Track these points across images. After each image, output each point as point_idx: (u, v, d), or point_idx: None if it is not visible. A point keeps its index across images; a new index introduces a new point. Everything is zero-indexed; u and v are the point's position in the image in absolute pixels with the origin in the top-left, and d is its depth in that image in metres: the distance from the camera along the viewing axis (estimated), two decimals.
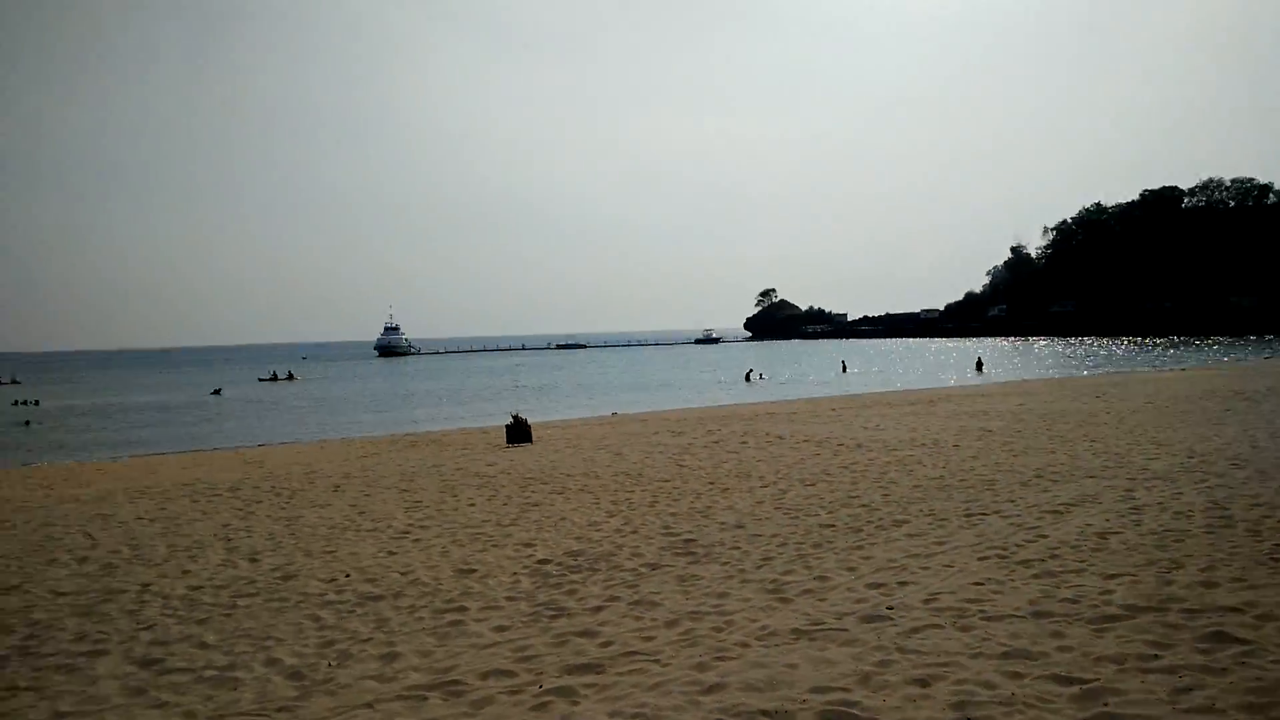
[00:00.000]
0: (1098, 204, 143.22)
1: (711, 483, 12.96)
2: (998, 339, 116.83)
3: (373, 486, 14.25)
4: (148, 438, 34.26)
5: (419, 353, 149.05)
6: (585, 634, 6.24)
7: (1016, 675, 5.02)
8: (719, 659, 5.53)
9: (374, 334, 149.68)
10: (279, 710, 5.14)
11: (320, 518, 11.62)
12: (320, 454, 20.48)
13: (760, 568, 7.88)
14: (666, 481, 13.29)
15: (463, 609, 7.09)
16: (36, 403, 56.29)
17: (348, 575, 8.41)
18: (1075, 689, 4.79)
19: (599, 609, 6.86)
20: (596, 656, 5.74)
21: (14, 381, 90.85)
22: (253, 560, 9.27)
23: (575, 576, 7.95)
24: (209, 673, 5.86)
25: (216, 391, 63.49)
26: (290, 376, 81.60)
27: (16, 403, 56.36)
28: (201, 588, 8.20)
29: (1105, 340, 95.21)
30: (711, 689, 5.04)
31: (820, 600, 6.73)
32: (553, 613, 6.84)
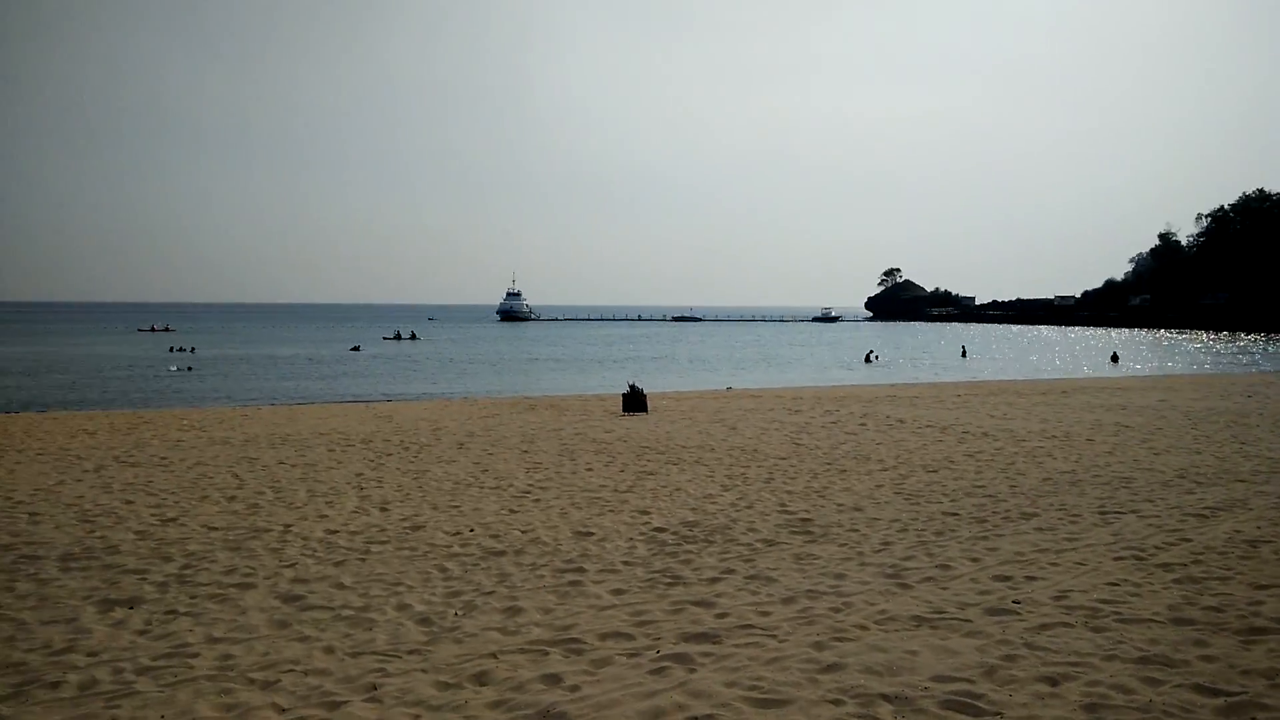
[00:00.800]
0: (1260, 190, 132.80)
1: (829, 463, 12.80)
2: (1138, 330, 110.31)
3: (495, 446, 14.69)
4: (290, 389, 36.29)
5: (538, 319, 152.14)
6: (701, 604, 6.29)
7: (1154, 682, 4.79)
8: (837, 639, 5.49)
9: (497, 299, 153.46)
10: (410, 653, 5.41)
11: (445, 473, 12.07)
12: (445, 412, 21.23)
13: (879, 552, 7.76)
14: (783, 459, 13.20)
15: (581, 570, 7.26)
16: (193, 350, 60.44)
17: (471, 530, 8.73)
18: (1220, 701, 4.54)
19: (715, 580, 6.90)
20: (713, 626, 5.79)
21: (167, 329, 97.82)
22: (383, 509, 9.73)
23: (690, 547, 8.01)
24: (346, 612, 6.21)
25: (355, 348, 66.79)
26: (413, 336, 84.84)
27: (172, 349, 60.76)
28: (337, 532, 8.66)
29: (1261, 336, 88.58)
30: (830, 668, 5.01)
31: (942, 589, 6.58)
32: (669, 580, 6.92)
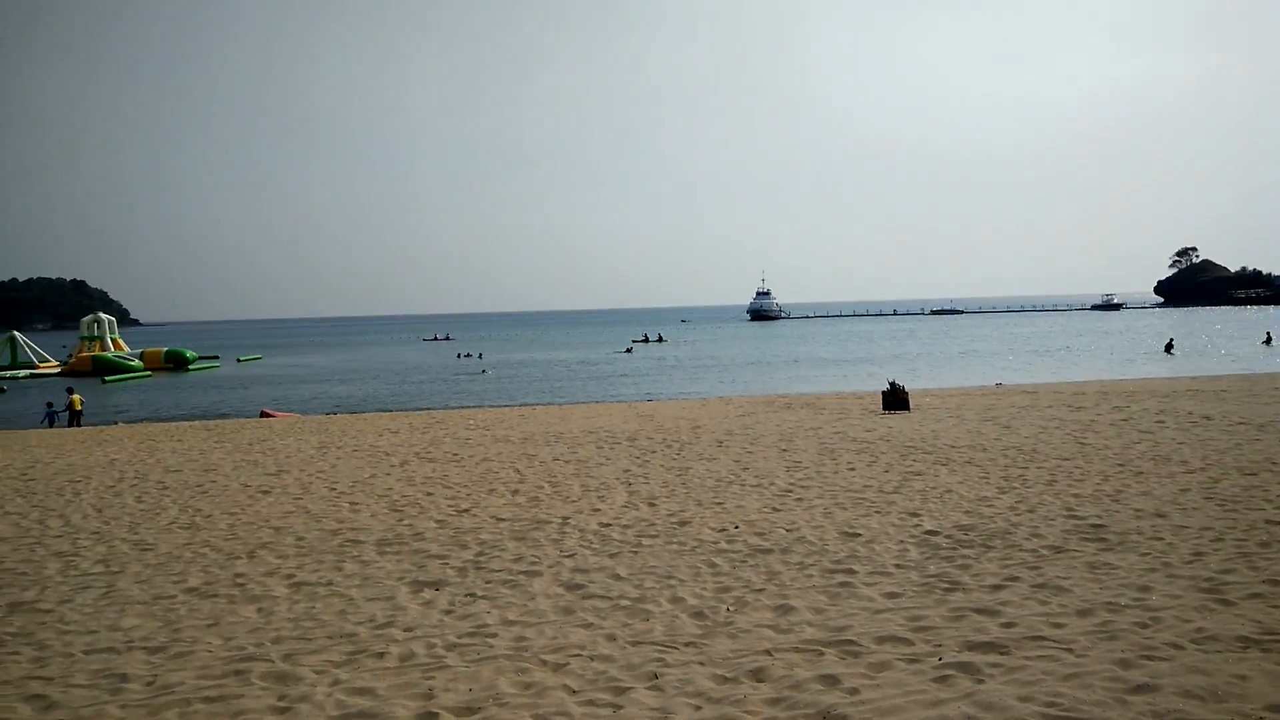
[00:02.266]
0: None
1: (1121, 465, 11.65)
2: None
3: (753, 444, 14.77)
4: (560, 390, 38.65)
5: (789, 317, 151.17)
6: (984, 611, 5.95)
7: None
8: (1146, 657, 4.98)
9: (746, 299, 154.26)
10: (686, 645, 5.55)
11: (707, 470, 12.29)
12: (702, 411, 21.63)
13: (1190, 563, 6.95)
14: (1066, 460, 12.19)
15: (851, 571, 7.11)
16: (480, 355, 66.84)
17: (736, 527, 8.82)
18: None
19: (997, 588, 6.50)
20: (999, 636, 5.45)
21: (449, 338, 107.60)
22: (651, 504, 10.08)
23: (967, 551, 7.60)
24: (624, 602, 6.49)
25: (629, 349, 71.30)
26: (659, 339, 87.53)
27: (459, 355, 67.61)
28: (610, 525, 9.08)
29: None
30: (1140, 689, 4.55)
31: (1273, 607, 5.78)
32: (946, 585, 6.61)
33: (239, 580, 7.47)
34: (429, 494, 11.20)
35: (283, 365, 67.45)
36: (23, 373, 56.02)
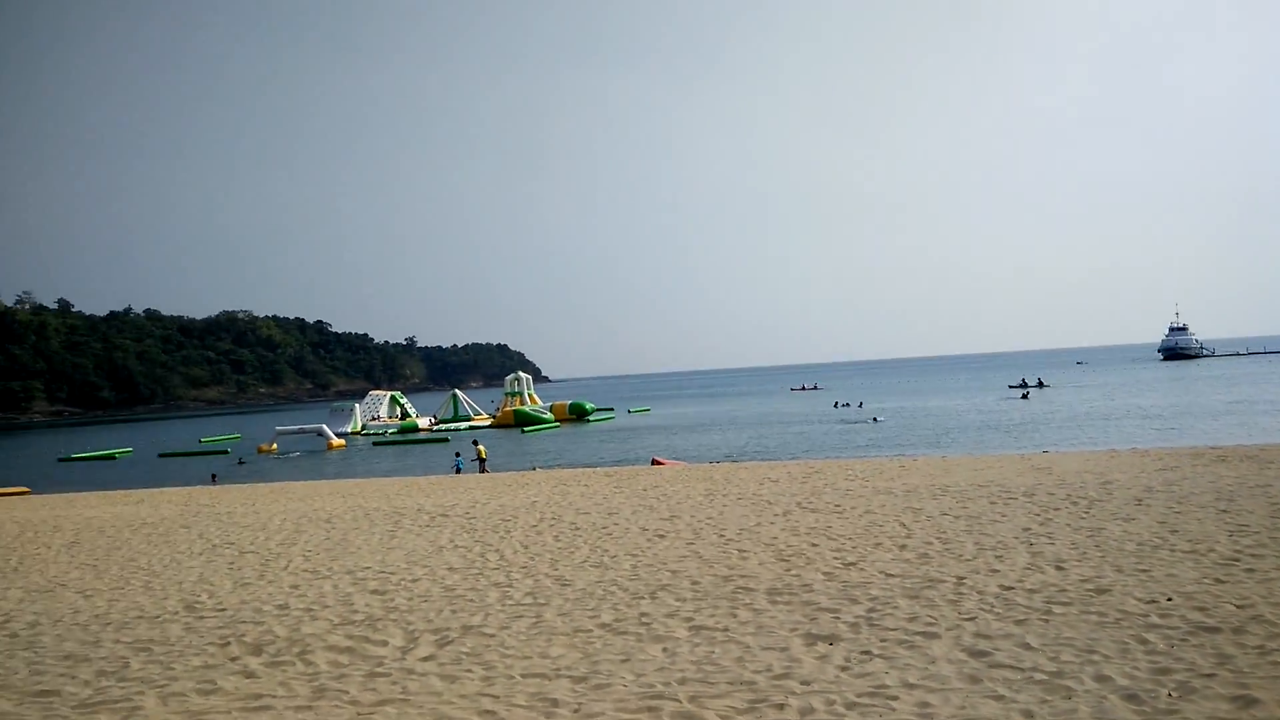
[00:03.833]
0: None
1: None
2: None
3: (1181, 503, 12.84)
4: (945, 439, 37.00)
5: (1212, 354, 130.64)
6: None
7: None
8: None
9: (1156, 336, 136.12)
10: None
11: (1125, 531, 10.90)
12: (1111, 463, 19.32)
13: None
14: None
15: None
16: (860, 404, 67.28)
17: (1169, 599, 7.68)
18: None
19: None
20: None
21: (815, 388, 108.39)
22: (1059, 568, 9.14)
23: None
24: (1038, 675, 5.92)
25: (1024, 395, 67.08)
26: (1040, 384, 79.98)
27: (837, 404, 68.33)
28: (1013, 588, 8.37)
29: None
30: None
31: None
32: None
33: (644, 619, 7.99)
34: (814, 544, 11.18)
35: (668, 415, 72.10)
36: (463, 425, 65.77)
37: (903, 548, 10.71)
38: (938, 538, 11.24)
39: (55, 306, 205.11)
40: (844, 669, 6.29)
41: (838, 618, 7.67)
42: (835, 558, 10.29)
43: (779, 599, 8.46)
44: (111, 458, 58.47)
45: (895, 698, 5.63)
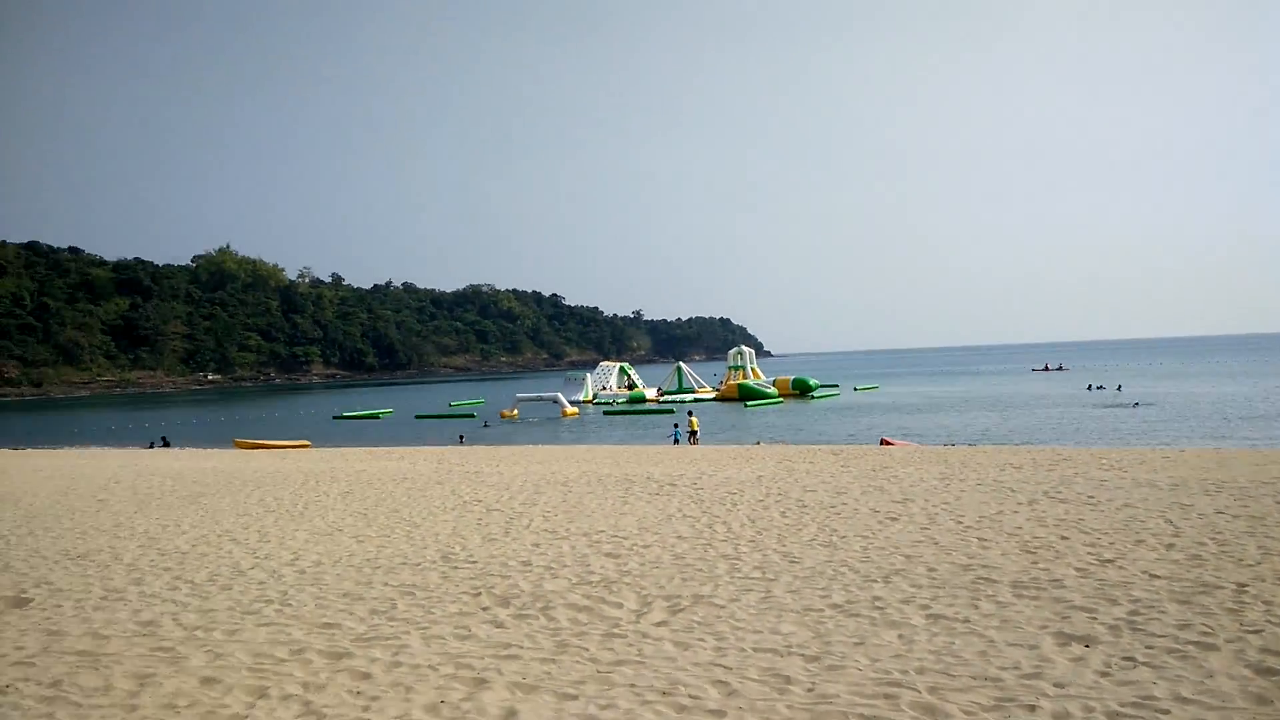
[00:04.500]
0: None
1: None
2: None
3: None
4: (1222, 429, 33.37)
5: None
6: None
7: None
8: None
9: None
10: None
11: None
12: None
13: None
14: None
15: None
16: (1119, 388, 60.87)
17: None
18: None
19: None
20: None
21: (1060, 368, 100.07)
22: None
23: None
24: None
25: None
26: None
27: (1090, 387, 62.85)
28: None
29: None
30: None
31: None
32: None
33: (877, 603, 7.77)
34: (1063, 537, 10.39)
35: (897, 394, 69.60)
36: (689, 397, 66.93)
37: (1169, 547, 9.72)
38: (1212, 538, 10.10)
39: (329, 280, 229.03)
40: (1104, 674, 5.80)
41: (1094, 618, 7.09)
42: (1089, 553, 9.51)
43: (1025, 593, 7.94)
44: (376, 417, 64.75)
45: (1166, 711, 5.13)
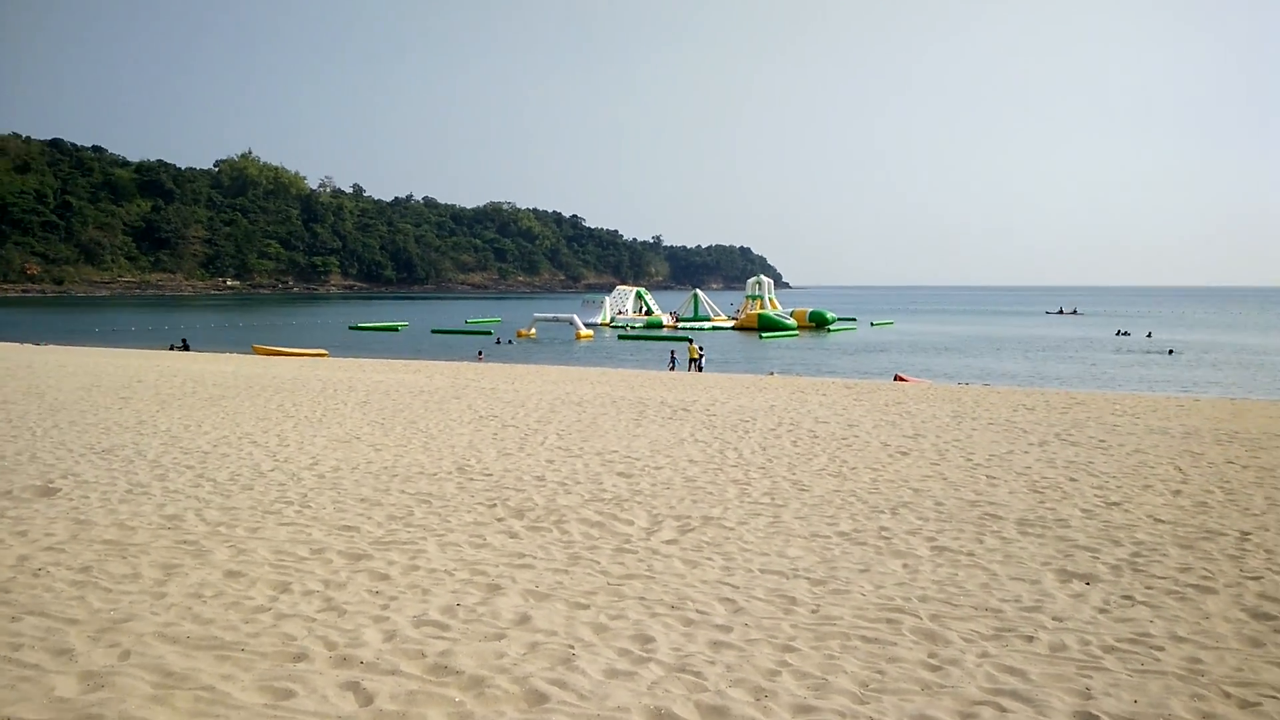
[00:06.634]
0: None
1: None
2: None
3: None
4: (1246, 381, 33.20)
5: None
6: None
7: None
8: None
9: None
10: None
11: None
12: None
13: None
14: None
15: None
16: (1149, 335, 60.56)
17: None
18: None
19: None
20: None
21: (1075, 312, 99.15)
22: None
23: None
24: None
25: None
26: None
27: (1119, 333, 62.78)
28: None
29: None
30: None
31: None
32: None
33: (884, 533, 7.92)
34: (1072, 479, 10.49)
35: (913, 332, 69.34)
36: (705, 325, 66.88)
37: (1177, 493, 9.80)
38: (1220, 486, 10.17)
39: (350, 191, 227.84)
40: (1102, 610, 5.93)
41: (1096, 557, 7.21)
42: (1096, 495, 9.61)
43: (1030, 530, 8.06)
44: (393, 329, 65.19)
45: (1161, 649, 5.25)
